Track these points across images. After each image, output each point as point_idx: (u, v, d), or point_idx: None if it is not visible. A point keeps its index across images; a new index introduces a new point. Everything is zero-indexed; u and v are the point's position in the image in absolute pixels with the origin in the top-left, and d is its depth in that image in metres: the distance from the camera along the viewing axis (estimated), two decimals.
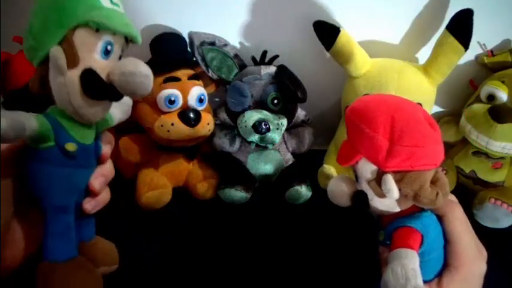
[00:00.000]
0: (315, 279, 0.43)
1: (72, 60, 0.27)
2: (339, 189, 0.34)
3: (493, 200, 0.49)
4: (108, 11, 0.27)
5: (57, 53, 0.26)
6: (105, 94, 0.28)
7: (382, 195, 0.30)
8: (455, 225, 0.32)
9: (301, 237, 0.48)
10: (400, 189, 0.29)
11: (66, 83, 0.27)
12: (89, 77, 0.27)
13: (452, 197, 0.34)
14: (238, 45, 0.56)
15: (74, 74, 0.27)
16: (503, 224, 0.49)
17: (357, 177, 0.33)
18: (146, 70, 0.28)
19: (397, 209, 0.32)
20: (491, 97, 0.48)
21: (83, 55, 0.27)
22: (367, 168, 0.31)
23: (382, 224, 0.34)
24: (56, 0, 0.26)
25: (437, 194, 0.29)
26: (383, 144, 0.28)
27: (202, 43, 0.51)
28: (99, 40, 0.27)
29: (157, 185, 0.49)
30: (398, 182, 0.29)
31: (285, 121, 0.52)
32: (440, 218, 0.32)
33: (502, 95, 0.47)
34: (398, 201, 0.31)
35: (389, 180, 0.29)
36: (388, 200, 0.31)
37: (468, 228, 0.32)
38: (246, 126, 0.50)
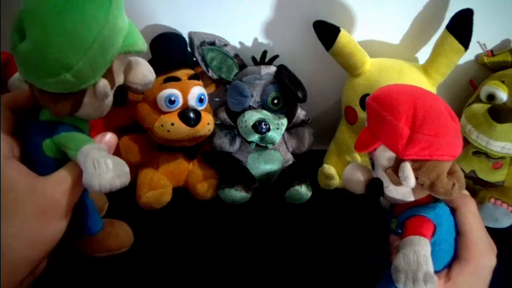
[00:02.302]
0: (315, 279, 0.43)
1: (112, 84, 0.29)
2: (354, 176, 0.34)
3: (493, 200, 0.49)
4: (135, 32, 0.29)
5: (104, 84, 0.28)
6: (123, 101, 0.32)
7: (398, 183, 0.31)
8: (468, 218, 0.32)
9: (301, 237, 0.48)
10: (417, 178, 0.30)
11: (105, 103, 0.30)
12: (121, 92, 0.31)
13: (466, 191, 0.35)
14: (238, 45, 0.56)
15: (112, 94, 0.30)
16: (503, 224, 0.49)
17: (373, 164, 0.33)
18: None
19: (412, 198, 0.32)
20: (491, 97, 0.48)
21: (117, 77, 0.30)
22: (384, 156, 0.31)
23: (395, 213, 0.34)
24: (102, 44, 0.26)
25: (453, 185, 0.30)
26: (404, 132, 0.29)
27: (202, 43, 0.51)
28: (126, 59, 0.30)
29: (157, 185, 0.49)
30: (415, 170, 0.29)
31: (285, 121, 0.52)
32: (453, 210, 0.33)
33: (502, 95, 0.47)
34: (413, 190, 0.31)
35: (407, 168, 0.29)
36: (404, 189, 0.31)
37: (480, 222, 0.33)
38: (246, 126, 0.50)
